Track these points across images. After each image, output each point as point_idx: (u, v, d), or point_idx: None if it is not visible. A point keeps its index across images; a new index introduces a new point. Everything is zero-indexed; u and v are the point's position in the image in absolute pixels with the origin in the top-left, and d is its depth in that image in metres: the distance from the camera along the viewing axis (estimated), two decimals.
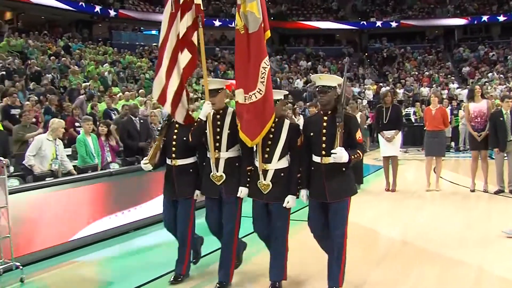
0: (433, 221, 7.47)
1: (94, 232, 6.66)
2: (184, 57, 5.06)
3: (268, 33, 4.73)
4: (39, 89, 15.05)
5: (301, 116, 14.84)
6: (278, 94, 4.82)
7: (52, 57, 18.77)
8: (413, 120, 18.90)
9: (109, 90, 16.57)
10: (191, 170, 5.06)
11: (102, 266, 5.99)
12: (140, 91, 16.68)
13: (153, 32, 30.93)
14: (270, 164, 4.62)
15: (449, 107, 17.06)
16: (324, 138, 4.41)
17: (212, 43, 32.00)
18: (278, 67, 30.20)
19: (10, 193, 5.46)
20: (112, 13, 28.88)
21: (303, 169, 4.60)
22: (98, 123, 9.69)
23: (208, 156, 4.89)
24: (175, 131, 5.08)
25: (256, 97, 4.60)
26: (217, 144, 4.81)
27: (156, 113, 10.99)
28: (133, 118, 9.64)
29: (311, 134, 4.53)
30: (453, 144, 17.36)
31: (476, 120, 9.32)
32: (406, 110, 19.46)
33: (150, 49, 26.41)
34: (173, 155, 5.04)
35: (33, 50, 19.29)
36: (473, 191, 9.43)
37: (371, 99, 24.75)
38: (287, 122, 4.71)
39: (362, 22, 36.03)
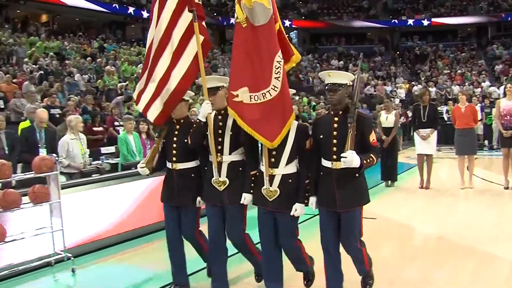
0: (466, 218, 7.53)
1: (139, 226, 6.96)
2: (185, 61, 4.57)
3: (278, 25, 4.35)
4: (76, 87, 15.46)
5: None
6: None
7: (88, 58, 19.19)
8: (446, 119, 18.76)
9: None
10: (193, 175, 4.69)
11: (148, 257, 6.22)
12: None
13: None
14: (277, 169, 4.26)
15: (479, 105, 16.90)
16: (334, 141, 4.05)
17: None
18: (310, 66, 30.25)
19: (61, 188, 5.72)
20: (145, 14, 29.17)
21: (311, 174, 4.25)
22: (135, 122, 9.97)
23: (210, 160, 4.54)
24: (176, 133, 4.67)
25: (270, 95, 4.21)
26: (219, 147, 4.46)
27: (196, 111, 11.08)
28: None
29: (321, 136, 4.15)
30: (486, 142, 17.25)
31: (506, 118, 9.27)
32: (438, 108, 19.26)
33: None
34: (174, 159, 4.65)
35: (70, 51, 19.78)
36: (506, 188, 9.43)
37: (403, 98, 24.62)
38: (294, 123, 4.32)
39: (393, 21, 35.77)
